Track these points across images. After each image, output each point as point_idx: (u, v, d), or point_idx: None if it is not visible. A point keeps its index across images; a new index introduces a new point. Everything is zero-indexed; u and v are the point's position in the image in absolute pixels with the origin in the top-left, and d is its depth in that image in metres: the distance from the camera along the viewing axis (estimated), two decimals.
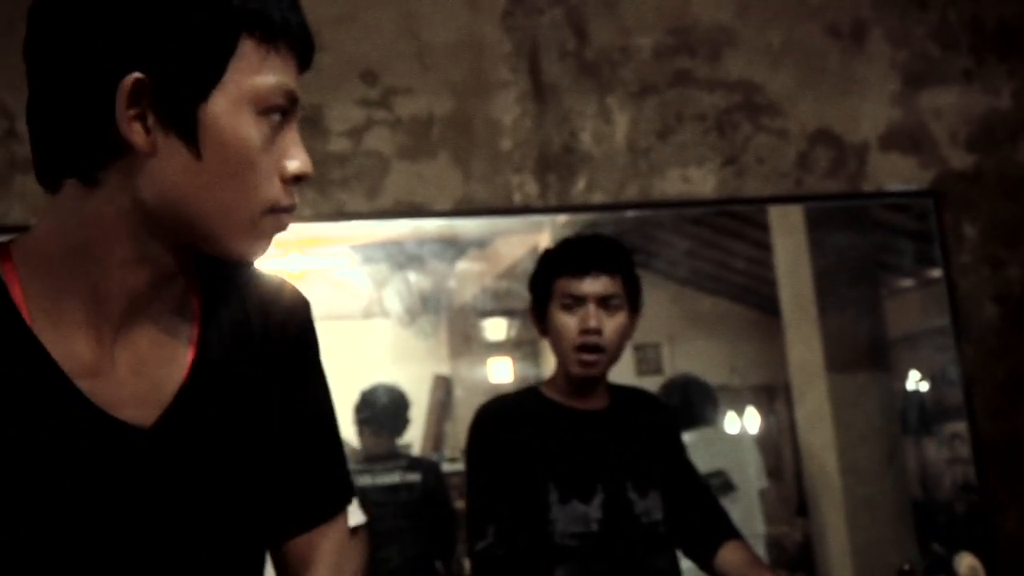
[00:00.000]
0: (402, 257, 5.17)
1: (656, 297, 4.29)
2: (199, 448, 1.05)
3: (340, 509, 1.21)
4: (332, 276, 5.54)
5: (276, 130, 1.01)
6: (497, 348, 6.00)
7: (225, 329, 1.11)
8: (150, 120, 0.96)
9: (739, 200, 3.42)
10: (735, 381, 5.61)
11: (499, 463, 2.25)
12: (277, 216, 1.02)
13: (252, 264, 1.07)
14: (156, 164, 0.97)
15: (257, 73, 0.98)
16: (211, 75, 0.97)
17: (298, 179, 1.03)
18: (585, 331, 2.23)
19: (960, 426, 5.36)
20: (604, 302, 2.26)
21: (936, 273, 4.23)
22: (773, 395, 5.96)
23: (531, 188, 3.32)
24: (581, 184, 3.34)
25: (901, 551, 3.79)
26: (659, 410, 2.48)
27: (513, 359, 6.06)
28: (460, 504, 4.85)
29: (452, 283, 5.63)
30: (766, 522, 4.13)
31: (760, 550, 3.95)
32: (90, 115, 0.96)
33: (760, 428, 6.01)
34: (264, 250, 1.04)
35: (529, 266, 5.28)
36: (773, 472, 4.70)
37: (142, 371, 1.04)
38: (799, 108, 3.45)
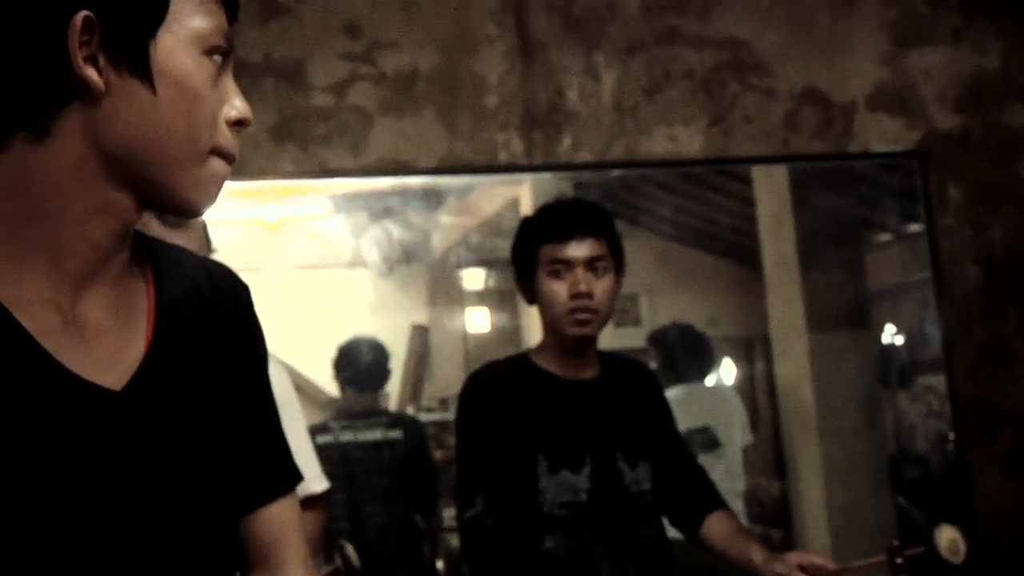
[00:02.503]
0: (380, 207, 5.14)
1: (634, 249, 4.29)
2: (166, 414, 1.04)
3: (288, 488, 1.23)
4: (310, 226, 5.51)
5: (218, 73, 1.03)
6: (475, 298, 6.01)
7: (179, 299, 1.11)
8: (101, 60, 0.96)
9: (725, 160, 3.40)
10: (713, 333, 5.64)
11: (489, 432, 2.24)
12: (223, 161, 1.04)
13: (199, 214, 1.07)
14: (110, 104, 0.97)
15: (197, 13, 1.01)
16: (156, 11, 0.98)
17: (240, 124, 1.05)
18: (576, 295, 2.21)
19: (934, 379, 5.42)
20: (591, 265, 2.24)
21: (915, 228, 4.25)
22: (751, 347, 6.00)
23: (516, 146, 3.28)
24: (567, 142, 3.30)
25: (877, 510, 3.84)
26: (647, 379, 2.47)
27: (490, 309, 6.07)
28: (438, 454, 4.88)
29: (431, 233, 5.61)
30: (747, 479, 4.16)
31: (739, 507, 3.99)
32: (41, 59, 0.96)
33: (737, 379, 6.06)
34: (213, 199, 1.05)
35: (509, 218, 5.26)
36: (751, 420, 4.74)
37: (105, 334, 1.03)
38: (787, 67, 3.42)
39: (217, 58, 1.02)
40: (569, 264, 2.23)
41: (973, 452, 3.39)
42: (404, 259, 5.67)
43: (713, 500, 2.38)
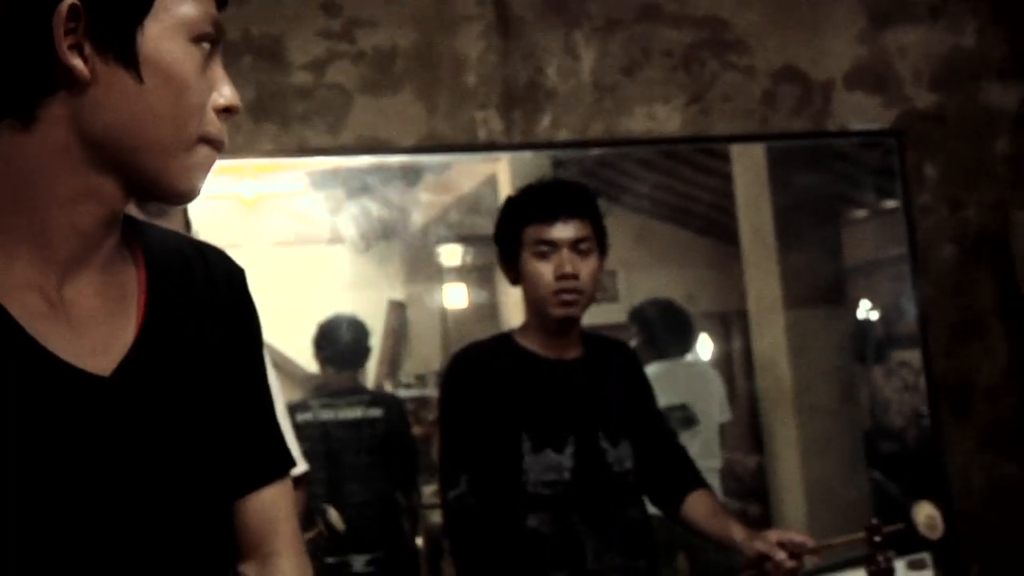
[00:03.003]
0: (358, 184, 5.12)
1: (612, 226, 4.29)
2: (156, 399, 1.04)
3: (281, 473, 1.23)
4: (287, 203, 5.49)
5: (206, 60, 1.03)
6: (452, 274, 6.00)
7: (172, 283, 1.11)
8: (87, 48, 0.96)
9: (704, 138, 3.41)
10: (691, 309, 5.67)
11: (473, 412, 2.24)
12: (211, 148, 1.04)
13: (188, 201, 1.07)
14: (96, 93, 0.97)
15: (184, 1, 1.01)
16: (140, 2, 0.98)
17: (228, 112, 1.05)
18: (562, 276, 2.22)
19: (909, 354, 5.46)
20: (576, 246, 2.25)
21: (891, 204, 4.27)
22: (728, 323, 6.03)
23: (495, 124, 3.28)
24: (546, 121, 3.30)
25: (853, 485, 3.88)
26: (629, 359, 2.48)
27: (468, 285, 6.07)
28: (417, 430, 4.89)
29: (408, 210, 5.59)
30: (724, 455, 4.19)
31: (715, 483, 4.02)
32: (27, 47, 0.95)
33: (714, 355, 6.09)
34: (200, 186, 1.05)
35: (487, 195, 5.26)
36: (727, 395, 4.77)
37: (94, 320, 1.03)
38: (766, 45, 3.43)
39: (205, 46, 1.02)
40: (554, 245, 2.24)
41: (947, 427, 3.44)
42: (382, 235, 5.66)
43: (693, 479, 2.39)
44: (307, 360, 4.47)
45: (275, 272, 5.40)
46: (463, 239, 5.83)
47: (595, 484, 2.24)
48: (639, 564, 2.27)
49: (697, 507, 2.34)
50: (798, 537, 2.14)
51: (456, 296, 6.06)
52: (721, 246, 5.54)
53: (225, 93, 1.04)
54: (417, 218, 5.74)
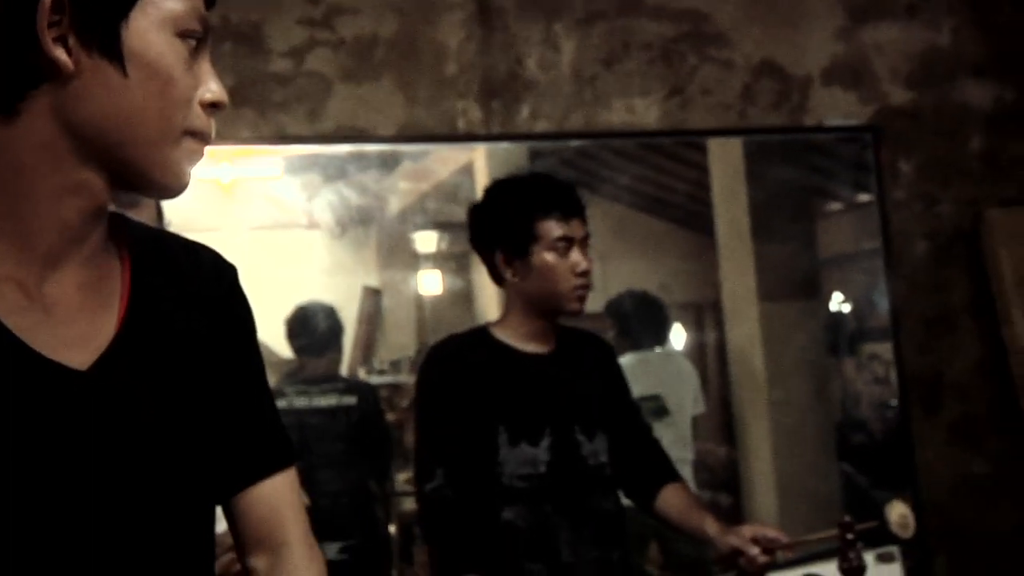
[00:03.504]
0: (334, 170, 5.10)
1: (588, 215, 4.29)
2: (137, 393, 1.04)
3: (284, 464, 1.22)
4: (263, 187, 5.46)
5: (193, 56, 1.03)
6: (427, 260, 5.99)
7: (159, 281, 1.11)
8: (71, 41, 0.96)
9: (682, 132, 3.43)
10: (665, 298, 5.68)
11: (449, 405, 2.26)
12: (197, 141, 1.04)
13: (177, 194, 1.06)
14: (80, 86, 0.97)
15: None
16: None
17: (215, 107, 1.05)
18: (582, 273, 2.25)
19: (880, 347, 5.50)
20: (583, 243, 2.29)
21: (865, 198, 4.30)
22: (702, 314, 6.05)
23: (475, 115, 3.28)
24: (525, 112, 3.31)
25: (824, 478, 3.91)
26: (605, 352, 2.50)
27: (443, 272, 6.06)
28: (390, 417, 4.89)
29: (384, 196, 5.57)
30: (696, 446, 4.21)
31: (688, 474, 4.04)
32: (11, 39, 0.95)
33: (687, 345, 6.11)
34: (188, 179, 1.05)
35: (463, 182, 5.24)
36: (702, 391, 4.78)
37: (75, 314, 1.03)
38: (745, 39, 3.44)
39: (191, 41, 1.02)
40: (571, 241, 2.26)
41: (917, 422, 3.48)
42: (357, 222, 5.64)
43: (668, 472, 2.42)
44: (280, 345, 4.46)
45: (250, 257, 5.38)
46: (439, 226, 5.81)
47: (570, 477, 2.26)
48: (613, 556, 2.29)
49: (671, 500, 2.36)
50: (771, 533, 2.17)
51: (431, 283, 6.05)
52: (697, 237, 5.55)
53: (212, 88, 1.04)
54: (393, 204, 5.71)
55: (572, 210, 2.29)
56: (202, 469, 1.10)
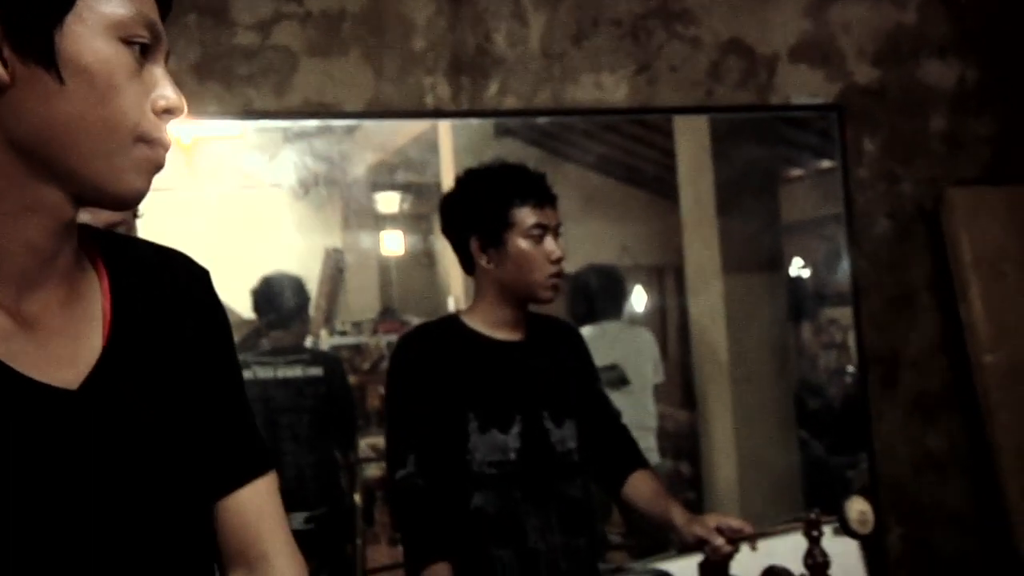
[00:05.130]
0: (296, 128, 5.06)
1: (549, 176, 4.29)
2: (128, 408, 1.04)
3: (261, 470, 1.20)
4: (224, 147, 5.40)
5: (141, 61, 1.00)
6: (389, 221, 5.98)
7: (136, 290, 1.10)
8: (6, 51, 0.94)
9: (650, 109, 3.43)
10: (625, 261, 5.71)
11: (420, 393, 2.27)
12: (152, 148, 1.01)
13: (135, 203, 1.04)
14: (18, 97, 0.95)
15: (112, 1, 0.98)
16: (60, 1, 0.95)
17: (169, 113, 1.02)
18: (557, 260, 2.28)
19: (838, 312, 5.58)
20: (556, 232, 2.32)
21: (827, 164, 4.33)
22: (663, 277, 6.09)
23: (443, 91, 3.26)
24: (493, 88, 3.30)
25: (783, 450, 3.99)
26: (573, 339, 2.52)
27: (404, 232, 6.06)
28: (352, 379, 4.91)
29: (346, 157, 5.54)
30: (658, 415, 4.27)
31: (651, 442, 4.11)
32: None
33: (647, 309, 6.16)
34: (144, 188, 1.02)
35: (425, 144, 5.20)
36: (661, 349, 4.83)
37: (58, 333, 1.02)
38: (713, 16, 3.44)
39: (136, 47, 0.99)
40: (545, 229, 2.28)
41: (876, 397, 3.54)
42: (319, 182, 5.60)
43: (636, 460, 2.45)
44: (242, 306, 4.45)
45: (211, 217, 5.34)
46: (401, 187, 5.80)
47: (539, 464, 2.28)
48: (580, 542, 2.32)
49: (639, 488, 2.40)
50: (735, 523, 2.21)
51: (393, 243, 6.04)
52: (660, 201, 5.57)
53: (164, 94, 1.01)
54: (355, 165, 5.69)
55: (545, 199, 2.32)
56: (192, 479, 1.09)
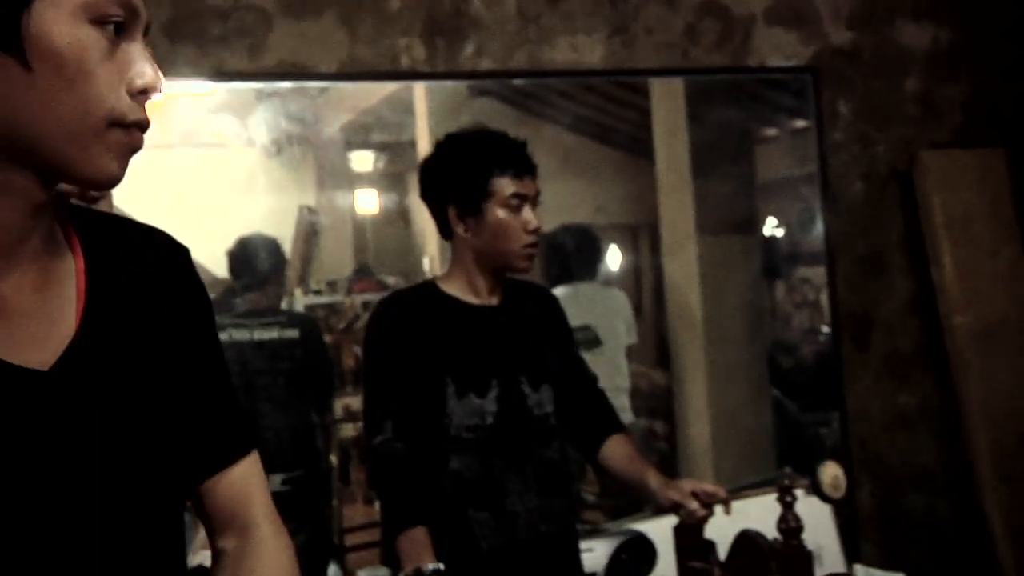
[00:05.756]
0: (269, 88, 5.02)
1: (520, 133, 4.28)
2: (101, 389, 1.03)
3: (249, 448, 1.22)
4: (196, 104, 5.36)
5: (115, 41, 0.97)
6: (363, 179, 5.95)
7: (114, 270, 1.09)
8: None
9: (626, 71, 3.43)
10: (600, 220, 5.71)
11: (397, 358, 2.28)
12: (127, 131, 0.99)
13: (110, 187, 1.03)
14: None
15: None
16: None
17: (146, 93, 1.00)
18: (534, 231, 2.28)
19: (811, 272, 5.61)
20: (534, 201, 2.32)
21: (802, 123, 4.33)
22: (637, 236, 6.10)
23: (418, 52, 3.25)
24: (469, 50, 3.28)
25: (756, 411, 4.02)
26: (550, 303, 2.53)
27: (379, 190, 6.03)
28: (327, 338, 4.90)
29: (320, 114, 5.50)
30: (632, 376, 4.29)
31: (625, 403, 4.13)
32: None
33: (622, 268, 6.17)
34: (119, 171, 1.00)
35: (399, 102, 5.17)
36: (635, 310, 4.85)
37: (31, 314, 1.01)
38: None
39: (110, 27, 0.97)
40: (524, 199, 2.28)
41: (848, 357, 3.57)
42: (293, 140, 5.57)
43: (612, 424, 2.47)
44: (215, 264, 4.43)
45: (183, 174, 5.30)
46: (375, 146, 5.77)
47: (516, 428, 2.30)
48: (557, 504, 2.35)
49: (615, 451, 2.43)
50: (710, 488, 2.24)
51: (367, 201, 6.02)
52: (635, 160, 5.56)
53: (141, 73, 0.99)
54: (329, 123, 5.65)
55: (525, 168, 2.31)
56: (170, 460, 1.09)
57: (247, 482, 1.20)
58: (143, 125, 1.00)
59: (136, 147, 1.01)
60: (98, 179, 0.99)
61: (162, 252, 1.15)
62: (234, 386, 1.23)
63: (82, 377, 1.02)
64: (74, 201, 1.52)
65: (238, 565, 1.19)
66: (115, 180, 1.01)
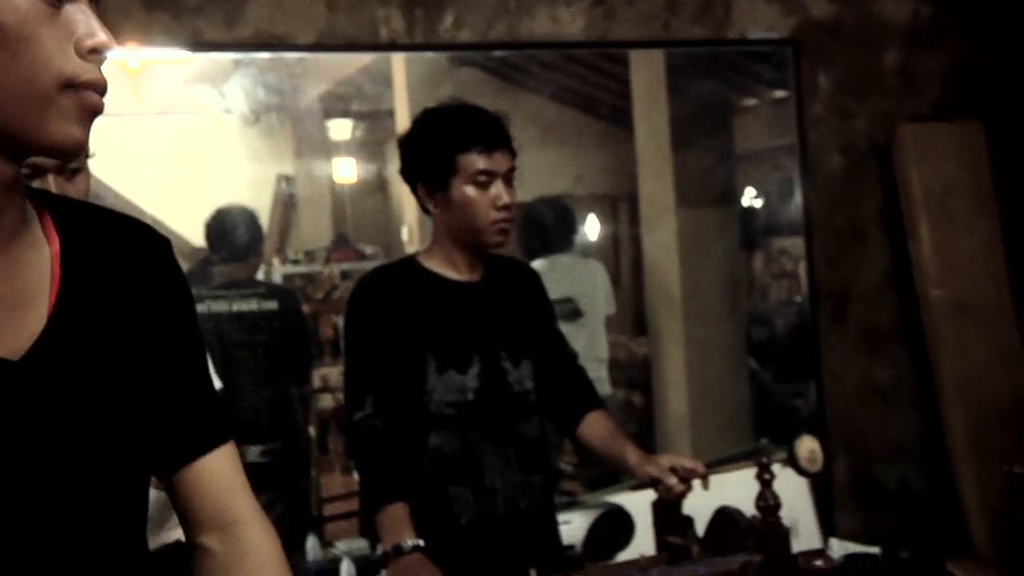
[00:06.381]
0: (247, 56, 4.97)
1: (500, 103, 4.28)
2: (73, 379, 1.02)
3: (224, 438, 1.21)
4: (173, 71, 5.30)
5: (57, 5, 0.97)
6: (341, 148, 5.92)
7: (88, 259, 1.08)
8: None
9: (606, 44, 3.41)
10: (579, 190, 5.70)
11: (378, 335, 2.27)
12: (81, 93, 0.98)
13: (73, 152, 1.02)
14: None
15: None
16: None
17: (96, 52, 0.99)
18: (503, 207, 2.26)
19: (788, 242, 5.63)
20: (507, 177, 2.29)
21: (781, 94, 4.33)
22: (617, 205, 6.10)
23: (397, 23, 3.22)
24: (448, 21, 3.25)
25: (733, 383, 4.05)
26: (531, 279, 2.53)
27: (357, 160, 6.00)
28: (305, 308, 4.90)
29: (297, 83, 5.46)
30: (610, 347, 4.31)
31: (603, 374, 4.15)
32: None
33: (601, 237, 6.18)
34: (79, 135, 1.00)
35: (377, 71, 5.14)
36: (613, 279, 4.86)
37: (2, 302, 1.00)
38: None
39: None
40: (492, 175, 2.26)
41: (825, 329, 3.59)
42: (270, 108, 5.53)
43: (591, 400, 2.48)
44: (192, 234, 4.40)
45: (160, 142, 5.26)
46: (353, 114, 5.73)
47: (496, 404, 2.30)
48: (536, 479, 2.36)
49: (594, 427, 2.43)
50: (688, 463, 2.24)
51: (345, 170, 5.99)
52: (614, 130, 5.55)
53: (91, 33, 0.98)
54: (307, 92, 5.61)
55: (496, 143, 2.28)
56: (141, 449, 1.09)
57: (227, 476, 1.19)
58: (98, 86, 0.99)
59: (94, 109, 1.00)
60: (59, 145, 0.99)
61: (141, 243, 1.14)
62: (212, 379, 1.22)
63: (53, 366, 1.01)
64: (53, 179, 1.51)
65: (232, 571, 1.17)
66: (77, 145, 1.00)
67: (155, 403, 1.11)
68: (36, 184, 1.42)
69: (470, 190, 2.25)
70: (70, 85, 0.97)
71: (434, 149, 2.28)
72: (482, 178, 2.25)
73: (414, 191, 2.37)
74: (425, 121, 2.36)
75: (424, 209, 2.40)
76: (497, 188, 2.26)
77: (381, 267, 2.42)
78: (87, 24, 0.98)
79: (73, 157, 1.05)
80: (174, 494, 1.19)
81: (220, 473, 1.18)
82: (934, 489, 3.58)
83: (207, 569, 1.18)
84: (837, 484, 3.54)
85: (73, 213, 1.11)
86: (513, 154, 2.32)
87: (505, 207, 2.26)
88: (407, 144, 2.36)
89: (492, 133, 2.29)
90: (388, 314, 2.28)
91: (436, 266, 2.34)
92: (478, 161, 2.25)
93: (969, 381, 3.42)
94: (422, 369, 2.26)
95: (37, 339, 1.01)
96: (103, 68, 1.01)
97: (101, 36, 0.98)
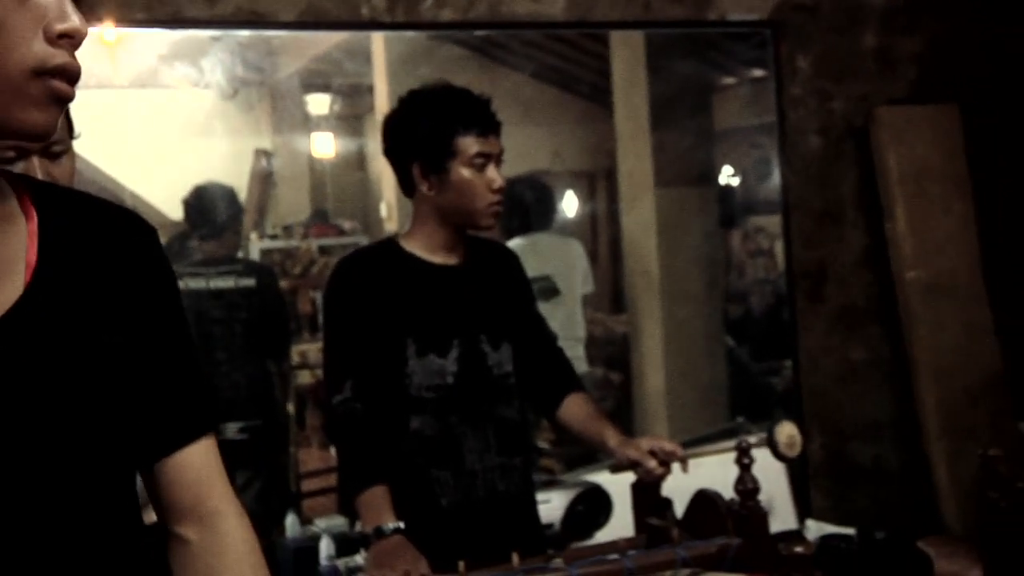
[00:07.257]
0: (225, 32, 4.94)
1: (480, 81, 4.27)
2: (42, 356, 1.03)
3: (209, 427, 1.21)
4: (150, 44, 5.26)
5: None
6: (320, 123, 5.91)
7: (68, 240, 1.08)
8: None
9: (587, 24, 3.41)
10: (557, 167, 5.73)
11: (357, 318, 2.28)
12: (49, 81, 0.98)
13: (41, 138, 1.02)
14: None
15: None
16: None
17: (68, 37, 0.98)
18: (498, 190, 2.28)
19: (764, 220, 5.67)
20: (498, 160, 2.31)
21: (759, 72, 4.35)
22: (595, 181, 6.13)
23: (379, 1, 3.21)
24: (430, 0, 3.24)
25: (710, 362, 4.08)
26: (511, 262, 2.53)
27: (335, 134, 6.00)
28: (283, 283, 4.90)
29: (276, 57, 5.44)
30: (588, 325, 4.33)
31: (580, 352, 4.17)
32: None
33: (579, 214, 6.21)
34: (47, 121, 1.00)
35: (355, 44, 5.12)
36: (591, 257, 4.89)
37: None
38: None
39: None
40: (488, 158, 2.27)
41: (802, 309, 3.62)
42: (248, 82, 5.50)
43: (571, 382, 2.49)
44: (171, 208, 4.39)
45: (137, 116, 5.24)
46: (332, 89, 5.72)
47: (476, 387, 2.32)
48: (516, 462, 2.37)
49: (574, 410, 2.45)
50: (668, 446, 2.27)
51: (323, 145, 5.99)
52: (592, 107, 5.56)
53: (62, 17, 0.97)
54: (285, 66, 5.60)
55: (490, 126, 2.30)
56: (118, 432, 1.09)
57: (207, 468, 1.19)
58: (68, 71, 0.99)
59: (63, 96, 1.00)
60: (27, 131, 0.99)
61: (127, 231, 1.14)
62: (199, 368, 1.21)
63: (22, 342, 1.01)
64: (38, 161, 1.50)
65: (208, 561, 1.18)
66: (44, 131, 1.00)
67: (135, 392, 1.11)
68: (20, 166, 1.41)
69: (467, 172, 2.26)
70: (39, 72, 0.96)
71: (432, 131, 2.27)
72: (479, 160, 2.26)
73: (399, 172, 2.37)
74: (416, 102, 2.35)
75: (405, 190, 2.39)
76: (492, 171, 2.28)
77: (361, 249, 2.43)
78: (58, 8, 0.97)
79: (42, 140, 1.05)
80: (151, 483, 1.19)
81: (200, 464, 1.19)
82: (907, 468, 3.62)
83: (183, 559, 1.19)
84: (812, 462, 3.58)
85: (57, 197, 1.11)
86: (500, 137, 2.33)
87: (499, 189, 2.29)
88: (397, 124, 2.35)
89: (486, 116, 2.30)
90: (368, 297, 2.28)
91: (417, 249, 2.34)
92: (476, 144, 2.26)
93: (942, 360, 3.46)
94: (402, 352, 2.26)
95: (9, 309, 1.01)
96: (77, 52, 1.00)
97: (73, 20, 0.98)
